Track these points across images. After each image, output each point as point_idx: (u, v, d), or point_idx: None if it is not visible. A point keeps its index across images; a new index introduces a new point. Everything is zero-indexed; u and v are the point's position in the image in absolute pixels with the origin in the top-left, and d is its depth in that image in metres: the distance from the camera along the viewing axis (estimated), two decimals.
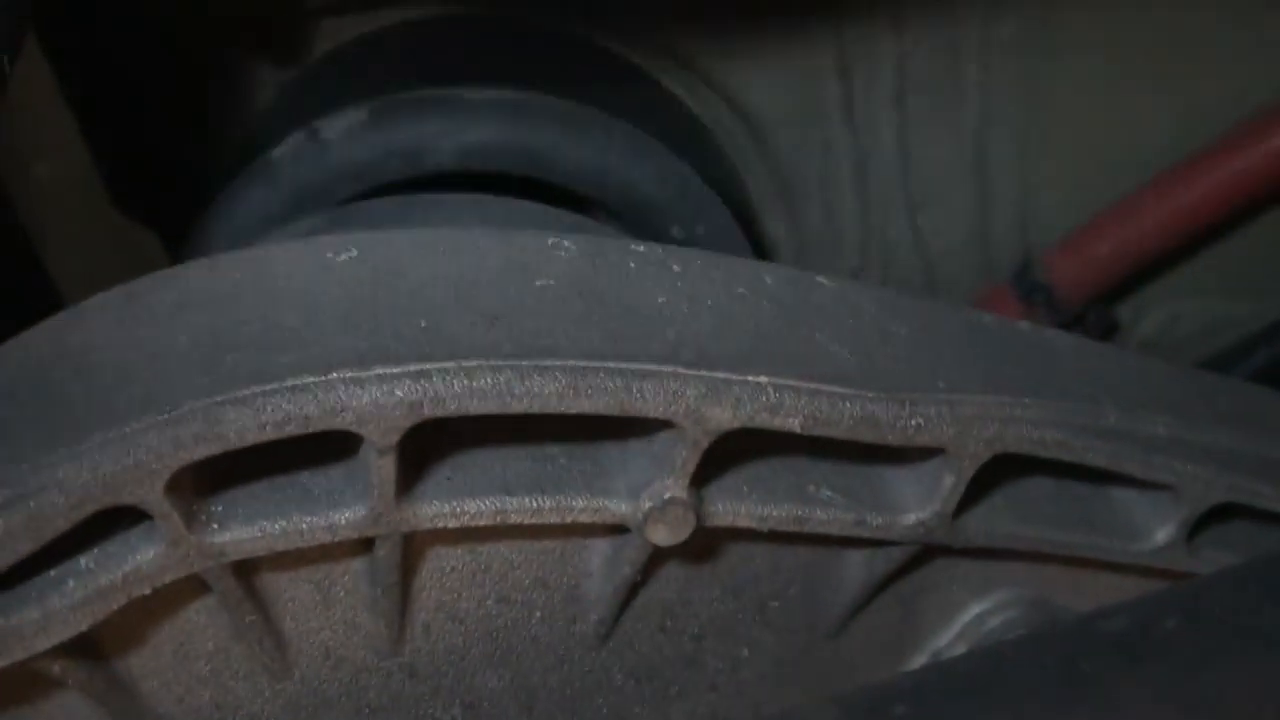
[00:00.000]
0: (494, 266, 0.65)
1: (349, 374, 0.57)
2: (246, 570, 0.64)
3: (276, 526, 0.60)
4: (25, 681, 0.63)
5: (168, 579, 0.60)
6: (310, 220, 0.98)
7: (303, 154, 1.05)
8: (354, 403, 0.57)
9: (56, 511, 0.56)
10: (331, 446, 0.61)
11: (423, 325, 0.60)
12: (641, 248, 0.69)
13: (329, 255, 0.64)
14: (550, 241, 0.67)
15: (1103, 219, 1.42)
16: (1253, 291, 1.50)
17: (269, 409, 0.56)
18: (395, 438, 0.58)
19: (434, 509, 0.62)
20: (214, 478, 0.60)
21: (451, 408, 0.58)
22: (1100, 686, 0.61)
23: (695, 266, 0.69)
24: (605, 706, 0.74)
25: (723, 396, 0.61)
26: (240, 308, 0.61)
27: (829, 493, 0.68)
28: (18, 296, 1.35)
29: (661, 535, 0.64)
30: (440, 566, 0.68)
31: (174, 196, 1.27)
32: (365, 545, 0.65)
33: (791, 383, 0.63)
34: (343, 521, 0.61)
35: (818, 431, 0.63)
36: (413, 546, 0.66)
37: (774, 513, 0.66)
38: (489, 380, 0.58)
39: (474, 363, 0.58)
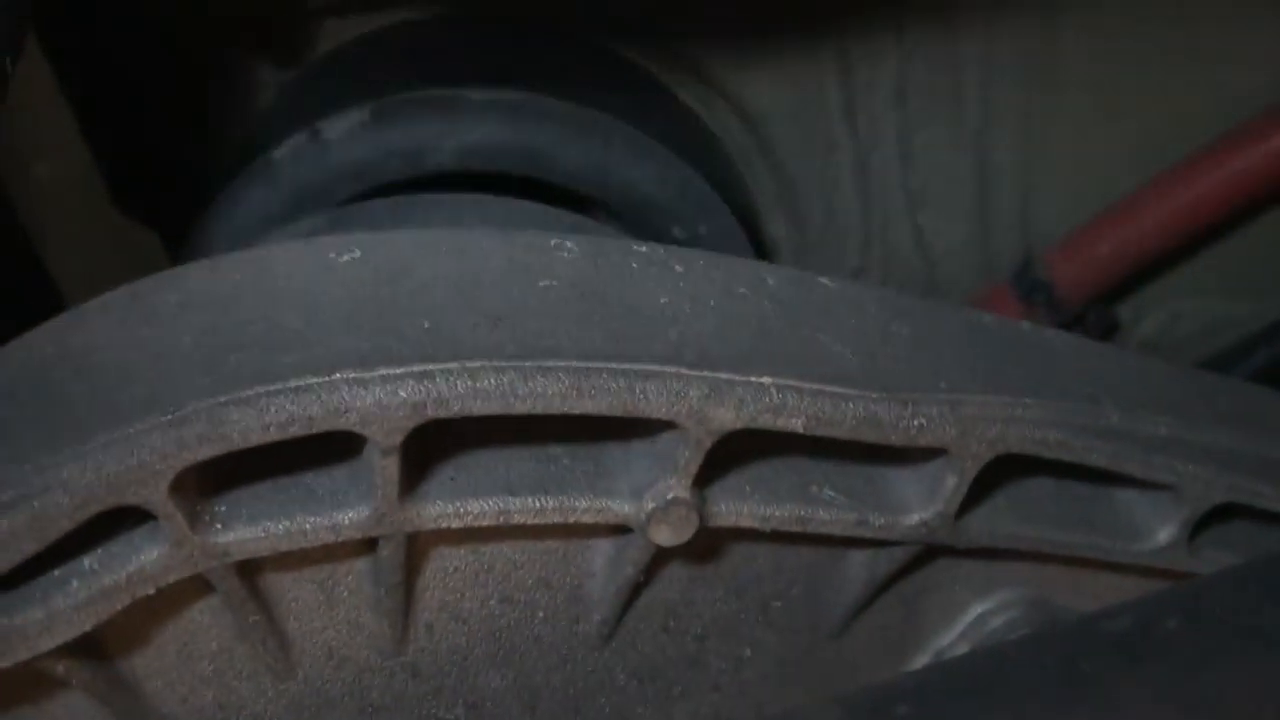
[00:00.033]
0: (497, 267, 0.65)
1: (352, 375, 0.57)
2: (250, 570, 0.64)
3: (280, 527, 0.60)
4: (29, 681, 0.63)
5: (171, 579, 0.60)
6: (311, 220, 0.98)
7: (304, 154, 1.05)
8: (357, 403, 0.57)
9: (60, 512, 0.56)
10: (335, 447, 0.61)
11: (426, 326, 0.60)
12: (644, 248, 0.69)
13: (331, 256, 0.64)
14: (553, 242, 0.67)
15: (1103, 219, 1.42)
16: (1253, 291, 1.50)
17: (273, 409, 0.57)
18: (399, 438, 0.58)
19: (437, 509, 0.62)
20: (217, 478, 0.60)
21: (455, 408, 0.58)
22: (1101, 686, 0.61)
23: (697, 267, 0.69)
24: (608, 706, 0.74)
25: (726, 397, 0.61)
26: (243, 308, 0.61)
27: (831, 493, 0.68)
28: (18, 296, 1.35)
29: (664, 536, 0.64)
30: (443, 566, 0.68)
31: (175, 196, 1.27)
32: (369, 545, 0.65)
33: (794, 383, 0.63)
34: (346, 522, 0.61)
35: (820, 432, 0.63)
36: (416, 546, 0.66)
37: (777, 513, 0.66)
38: (492, 381, 0.58)
39: (477, 363, 0.58)
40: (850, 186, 1.43)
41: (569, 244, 0.67)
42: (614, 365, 0.60)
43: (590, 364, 0.60)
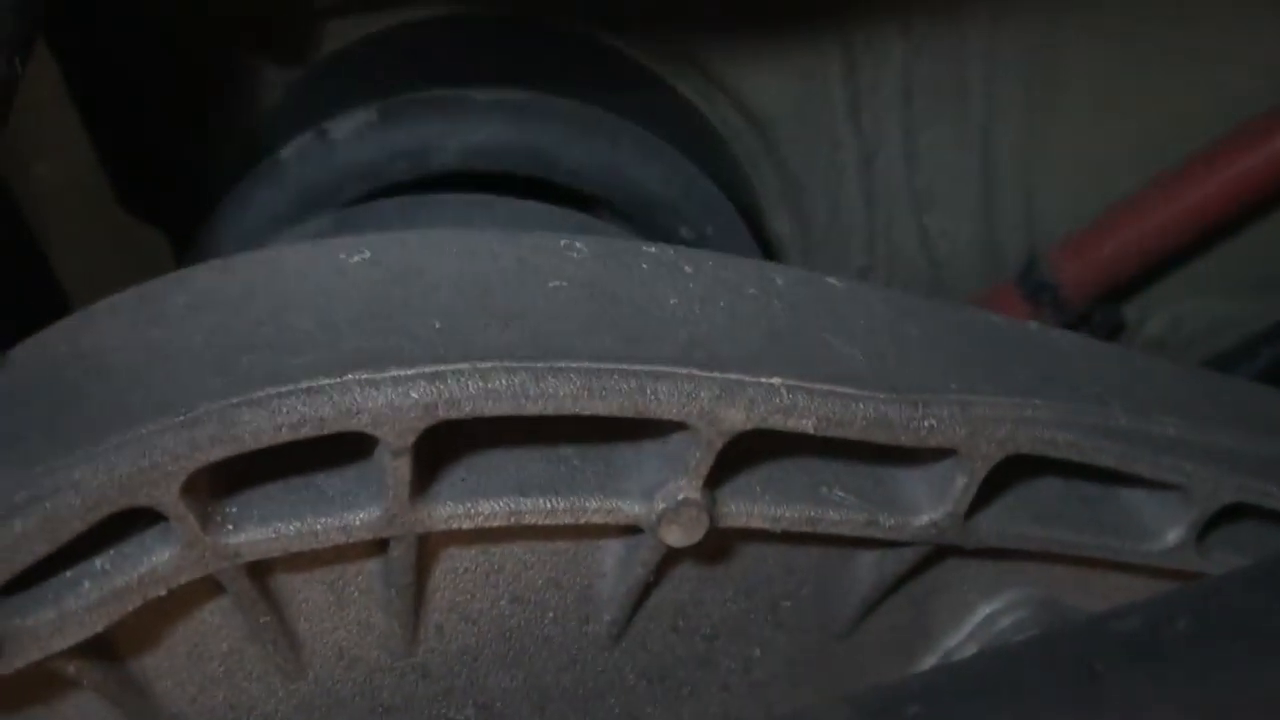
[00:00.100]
0: (507, 268, 0.65)
1: (364, 376, 0.57)
2: (261, 571, 0.64)
3: (291, 528, 0.60)
4: (41, 681, 0.63)
5: (183, 580, 0.60)
6: (318, 221, 0.98)
7: (310, 154, 1.05)
8: (369, 404, 0.57)
9: (72, 513, 0.56)
10: (346, 448, 0.61)
11: (437, 327, 0.60)
12: (653, 249, 0.69)
13: (342, 257, 0.64)
14: (562, 243, 0.67)
15: (1108, 218, 1.42)
16: (1257, 291, 1.50)
17: (284, 411, 0.57)
18: (410, 439, 0.58)
19: (448, 510, 0.62)
20: (229, 479, 0.60)
21: (466, 409, 0.58)
22: (1112, 687, 0.61)
23: (706, 267, 0.69)
24: (617, 706, 0.74)
25: (736, 398, 0.61)
26: (254, 309, 0.62)
27: (841, 493, 0.68)
28: (24, 295, 1.35)
29: (675, 536, 0.64)
30: (454, 567, 0.68)
31: (181, 197, 1.27)
32: (379, 546, 0.65)
33: (804, 384, 0.63)
34: (358, 523, 0.61)
35: (831, 433, 0.63)
36: (427, 547, 0.66)
37: (787, 513, 0.66)
38: (504, 382, 0.58)
39: (489, 364, 0.58)
40: (855, 185, 1.43)
41: (579, 245, 0.67)
42: (625, 366, 0.60)
43: (601, 365, 0.60)
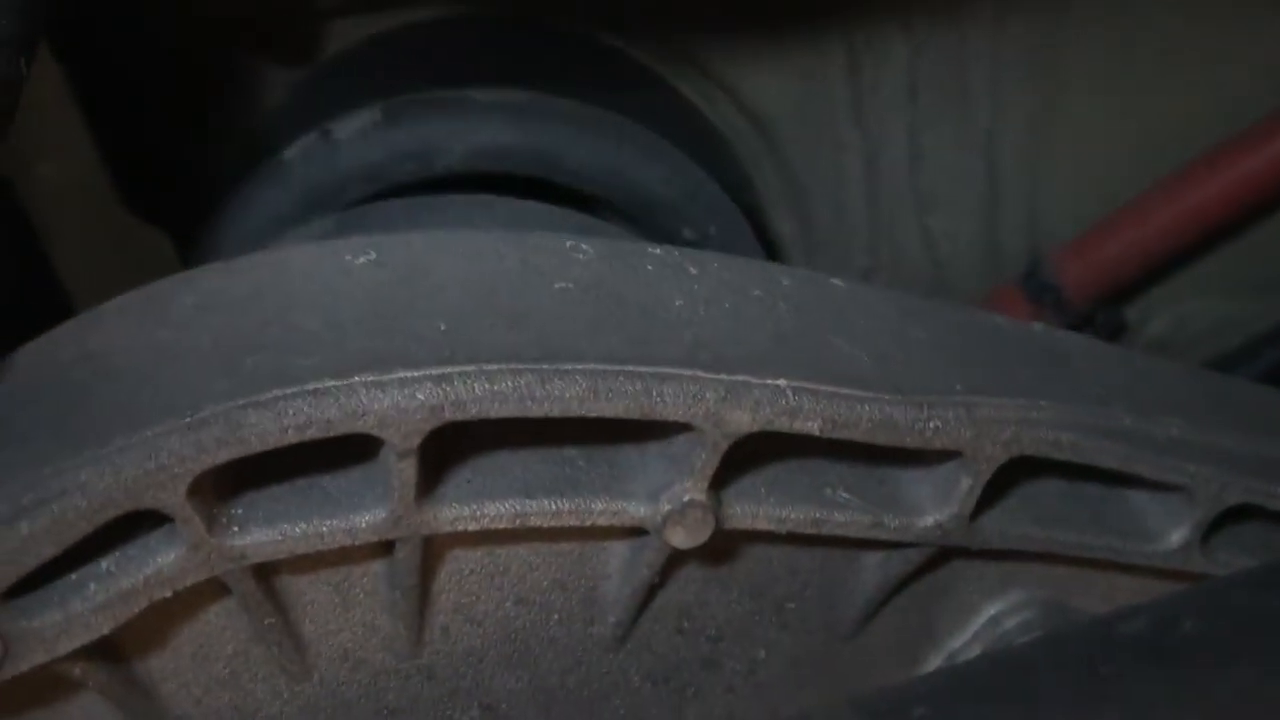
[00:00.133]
0: (512, 269, 0.65)
1: (370, 377, 0.57)
2: (266, 573, 0.64)
3: (297, 529, 0.60)
4: (46, 683, 0.63)
5: (188, 582, 0.60)
6: (322, 222, 0.98)
7: (314, 155, 1.05)
8: (375, 406, 0.57)
9: (79, 515, 0.56)
10: (351, 449, 0.61)
11: (442, 328, 0.60)
12: (658, 250, 0.69)
13: (348, 258, 0.65)
14: (568, 244, 0.67)
15: (1112, 219, 1.42)
16: (1260, 292, 1.50)
17: (290, 412, 0.57)
18: (416, 441, 0.58)
19: (454, 512, 0.62)
20: (234, 480, 0.60)
21: (472, 411, 0.58)
22: (1119, 689, 0.61)
23: (712, 269, 0.69)
24: (622, 708, 0.74)
25: (742, 399, 0.61)
26: (260, 310, 0.62)
27: (846, 495, 0.68)
28: (26, 295, 1.35)
29: (680, 538, 0.64)
30: (459, 569, 0.68)
31: (184, 197, 1.27)
32: (385, 548, 0.65)
33: (810, 386, 0.63)
34: (363, 524, 0.61)
35: (836, 434, 0.63)
36: (432, 549, 0.66)
37: (792, 515, 0.66)
38: (510, 384, 0.58)
39: (495, 366, 0.58)
40: (858, 186, 1.42)
41: (584, 246, 0.67)
42: (631, 368, 0.60)
43: (607, 367, 0.60)
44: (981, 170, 1.43)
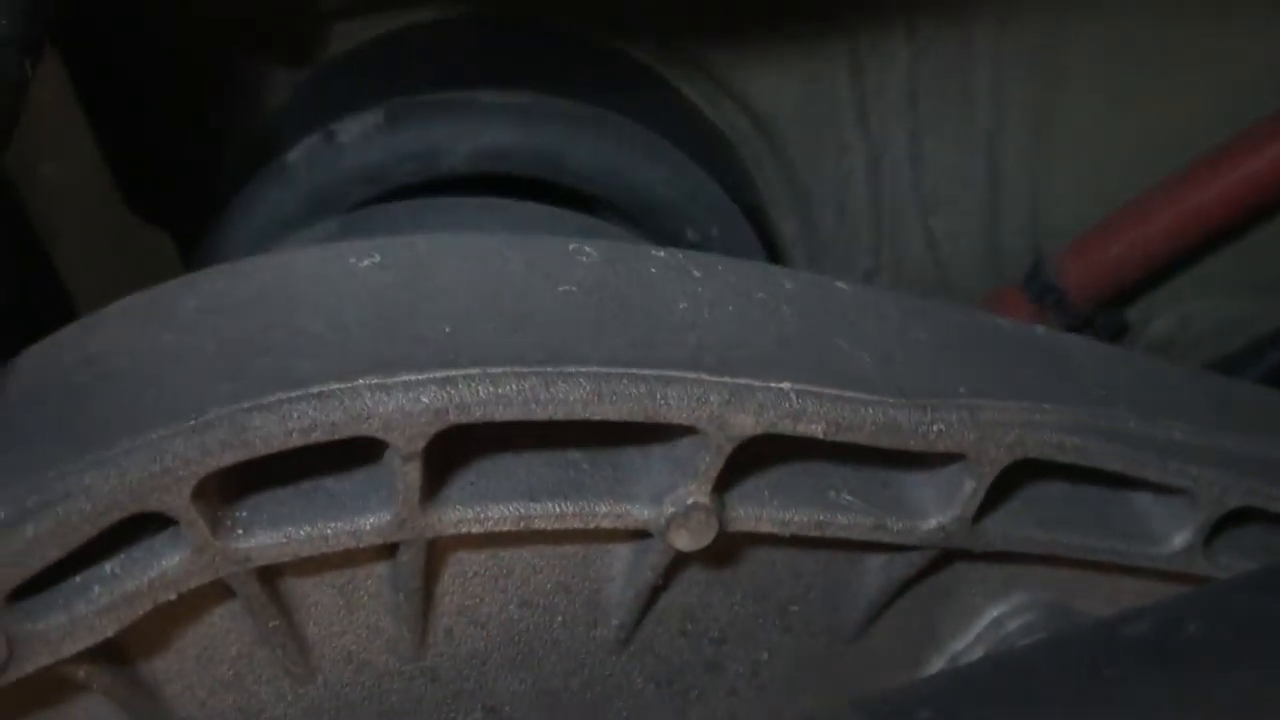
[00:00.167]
0: (516, 272, 0.65)
1: (375, 381, 0.57)
2: (270, 575, 0.64)
3: (301, 532, 0.60)
4: (50, 686, 0.63)
5: (193, 584, 0.60)
6: (325, 224, 0.98)
7: (318, 156, 1.05)
8: (380, 409, 0.57)
9: (84, 518, 0.56)
10: (356, 451, 0.61)
11: (447, 331, 0.60)
12: (662, 253, 0.69)
13: (352, 260, 0.65)
14: (571, 247, 0.67)
15: (1114, 221, 1.41)
16: (1263, 293, 1.50)
17: (295, 416, 0.57)
18: (420, 444, 0.58)
19: (458, 514, 0.62)
20: (238, 483, 0.61)
21: (477, 414, 0.58)
22: (1122, 691, 0.61)
23: (715, 271, 0.69)
24: (625, 710, 0.74)
25: (746, 402, 0.61)
26: (264, 313, 0.62)
27: (850, 498, 0.68)
28: (28, 296, 1.35)
29: (684, 540, 0.64)
30: (462, 571, 0.68)
31: (188, 198, 1.27)
32: (388, 550, 0.65)
33: (814, 388, 0.63)
34: (368, 527, 0.61)
35: (840, 437, 0.63)
36: (435, 551, 0.66)
37: (795, 518, 0.66)
38: (514, 387, 0.58)
39: (499, 369, 0.58)
40: (861, 188, 1.42)
41: (588, 249, 0.67)
42: (635, 371, 0.60)
43: (611, 370, 0.60)
44: (983, 171, 1.43)
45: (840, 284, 0.72)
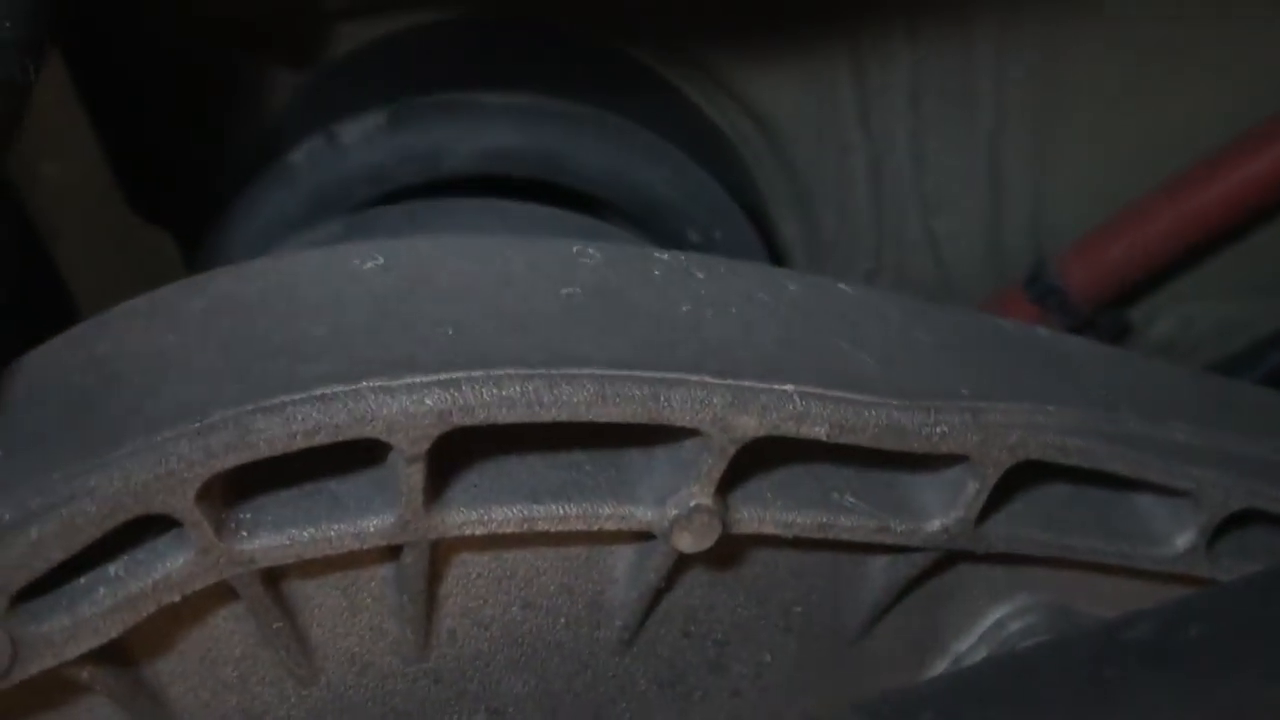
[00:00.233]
0: (520, 274, 0.65)
1: (378, 383, 0.57)
2: (274, 577, 0.64)
3: (305, 534, 0.60)
4: (54, 687, 0.63)
5: (197, 586, 0.60)
6: (328, 226, 0.98)
7: (321, 158, 1.05)
8: (384, 411, 0.57)
9: (88, 520, 0.56)
10: (359, 454, 0.61)
11: (450, 333, 0.60)
12: (665, 255, 0.69)
13: (355, 263, 0.65)
14: (575, 249, 0.67)
15: (1116, 222, 1.42)
16: (1265, 294, 1.50)
17: (299, 418, 0.57)
18: (424, 446, 0.58)
19: (461, 516, 0.62)
20: (242, 485, 0.61)
21: (480, 416, 0.58)
22: (1124, 693, 0.61)
23: (718, 273, 0.69)
24: (628, 712, 0.74)
25: (749, 405, 0.61)
26: (268, 316, 0.62)
27: (853, 499, 0.68)
28: (30, 297, 1.35)
29: (687, 542, 0.64)
30: (466, 573, 0.68)
31: (190, 199, 1.27)
32: (392, 552, 0.65)
33: (817, 391, 0.63)
34: (371, 529, 0.61)
35: (843, 439, 0.63)
36: (439, 553, 0.66)
37: (799, 519, 0.67)
38: (518, 389, 0.58)
39: (503, 371, 0.59)
40: (863, 189, 1.43)
41: (591, 251, 0.67)
42: (638, 373, 0.60)
43: (614, 372, 0.60)
44: (985, 172, 1.43)
45: (843, 286, 0.72)
